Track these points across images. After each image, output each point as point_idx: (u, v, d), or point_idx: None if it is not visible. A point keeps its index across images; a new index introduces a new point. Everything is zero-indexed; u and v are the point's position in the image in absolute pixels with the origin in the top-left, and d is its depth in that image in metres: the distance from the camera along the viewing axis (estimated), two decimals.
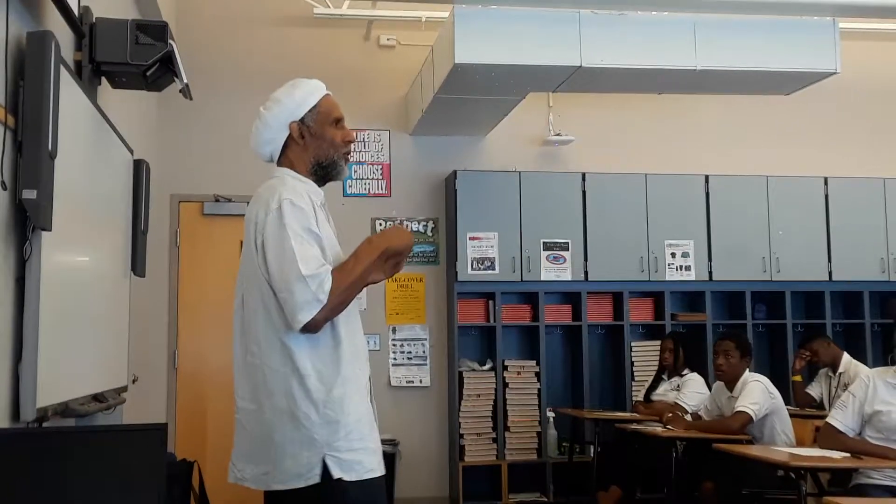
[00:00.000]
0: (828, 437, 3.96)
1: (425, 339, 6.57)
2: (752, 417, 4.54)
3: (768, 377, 6.62)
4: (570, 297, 6.60)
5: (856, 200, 6.80)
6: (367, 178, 6.63)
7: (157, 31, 3.63)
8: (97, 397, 3.64)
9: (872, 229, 6.78)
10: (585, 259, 6.45)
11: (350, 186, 6.59)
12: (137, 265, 4.44)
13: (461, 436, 6.28)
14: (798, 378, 5.83)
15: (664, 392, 5.66)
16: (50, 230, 2.84)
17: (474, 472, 6.28)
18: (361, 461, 2.18)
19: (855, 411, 3.91)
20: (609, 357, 6.77)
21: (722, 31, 5.42)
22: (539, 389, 6.38)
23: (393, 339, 6.49)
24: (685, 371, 5.60)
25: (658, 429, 4.99)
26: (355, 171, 6.61)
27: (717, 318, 6.72)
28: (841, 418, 3.94)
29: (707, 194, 6.65)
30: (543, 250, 6.41)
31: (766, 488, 4.53)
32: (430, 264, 6.64)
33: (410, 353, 6.52)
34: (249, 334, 2.29)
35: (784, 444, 4.55)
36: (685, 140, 7.08)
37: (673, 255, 6.56)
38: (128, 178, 4.35)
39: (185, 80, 3.86)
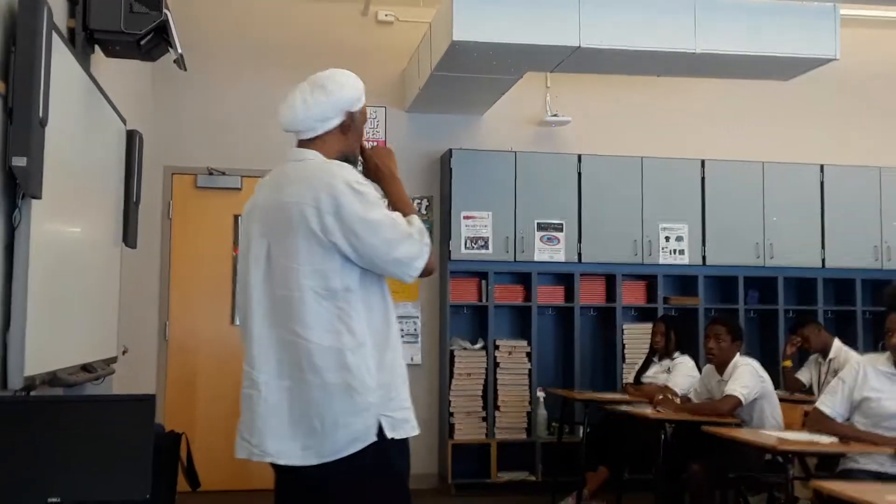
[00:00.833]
0: (817, 421, 3.98)
1: (417, 318, 6.58)
2: (741, 401, 4.56)
3: (759, 361, 6.69)
4: (563, 278, 6.61)
5: (851, 188, 6.80)
6: None
7: None
8: (86, 367, 3.63)
9: (867, 217, 6.79)
10: (579, 240, 6.44)
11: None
12: (129, 236, 4.42)
13: (451, 414, 6.29)
14: (788, 363, 5.85)
15: (654, 374, 5.68)
16: (40, 198, 2.82)
17: (464, 451, 6.30)
18: (408, 419, 2.31)
19: (844, 397, 3.93)
20: (600, 339, 6.78)
21: (722, 15, 5.39)
22: (530, 369, 6.39)
23: None
24: (676, 354, 5.61)
25: (647, 411, 5.00)
26: None
27: (709, 303, 6.73)
28: (830, 403, 3.95)
29: (703, 179, 6.64)
30: (537, 231, 6.40)
31: (753, 471, 4.56)
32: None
33: (402, 330, 6.47)
34: (295, 315, 2.23)
35: (773, 428, 4.57)
36: (682, 124, 7.06)
37: (667, 238, 6.56)
38: (120, 148, 4.32)
39: (180, 51, 3.82)
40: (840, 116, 7.29)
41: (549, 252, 6.41)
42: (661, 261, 6.55)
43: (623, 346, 6.54)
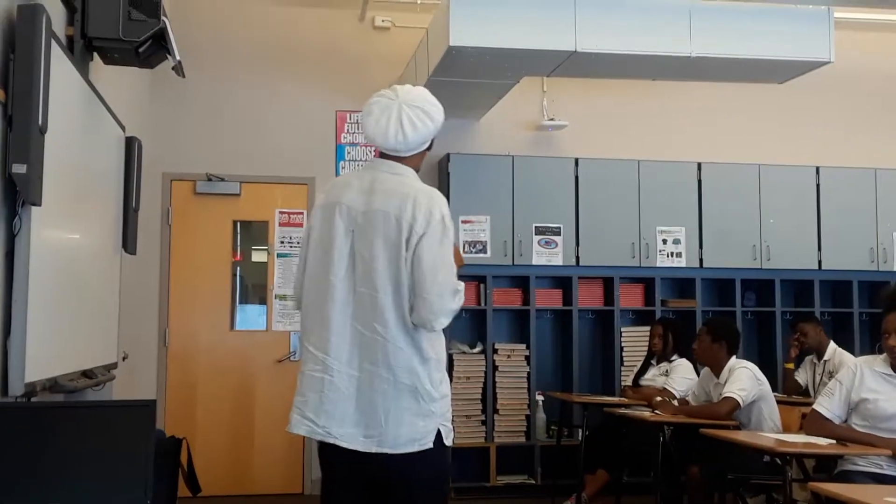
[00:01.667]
0: (814, 423, 3.98)
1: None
2: (739, 403, 4.57)
3: (756, 364, 6.69)
4: (561, 281, 6.62)
5: (847, 190, 6.82)
6: (360, 160, 6.62)
7: (149, 6, 3.61)
8: (86, 373, 3.64)
9: (863, 219, 6.80)
10: (577, 244, 6.46)
11: (343, 168, 6.58)
12: (128, 243, 4.44)
13: None
14: (790, 366, 5.86)
15: (653, 377, 5.69)
16: (40, 205, 2.83)
17: (463, 454, 6.30)
18: (452, 430, 2.57)
19: (841, 399, 3.93)
20: (599, 342, 6.79)
21: (717, 19, 5.41)
22: (528, 373, 6.41)
23: None
24: (674, 357, 5.63)
25: (646, 413, 5.01)
26: (348, 153, 6.60)
27: (706, 305, 6.75)
28: (827, 405, 3.96)
29: (699, 181, 6.66)
30: (535, 235, 6.42)
31: (751, 473, 4.57)
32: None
33: None
34: (368, 314, 2.47)
35: (771, 430, 4.59)
36: (678, 127, 7.08)
37: (664, 241, 6.58)
38: (119, 155, 4.34)
39: (178, 58, 3.84)
40: (835, 119, 7.31)
41: (547, 256, 6.43)
42: (659, 263, 6.57)
43: (621, 348, 6.55)
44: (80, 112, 3.51)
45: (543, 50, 5.24)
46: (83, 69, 3.58)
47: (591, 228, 6.47)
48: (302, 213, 6.48)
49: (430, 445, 2.46)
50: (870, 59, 7.34)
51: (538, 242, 6.42)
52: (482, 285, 6.46)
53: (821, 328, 5.74)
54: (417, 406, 2.45)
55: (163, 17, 3.63)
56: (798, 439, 3.94)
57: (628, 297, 6.66)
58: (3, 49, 2.73)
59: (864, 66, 7.28)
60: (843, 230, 6.75)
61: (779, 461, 3.96)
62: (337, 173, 6.52)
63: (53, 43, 2.94)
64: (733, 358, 4.85)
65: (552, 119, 6.82)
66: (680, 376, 5.41)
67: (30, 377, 2.84)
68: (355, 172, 2.74)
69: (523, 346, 6.45)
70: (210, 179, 6.36)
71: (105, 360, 4.09)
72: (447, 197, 6.25)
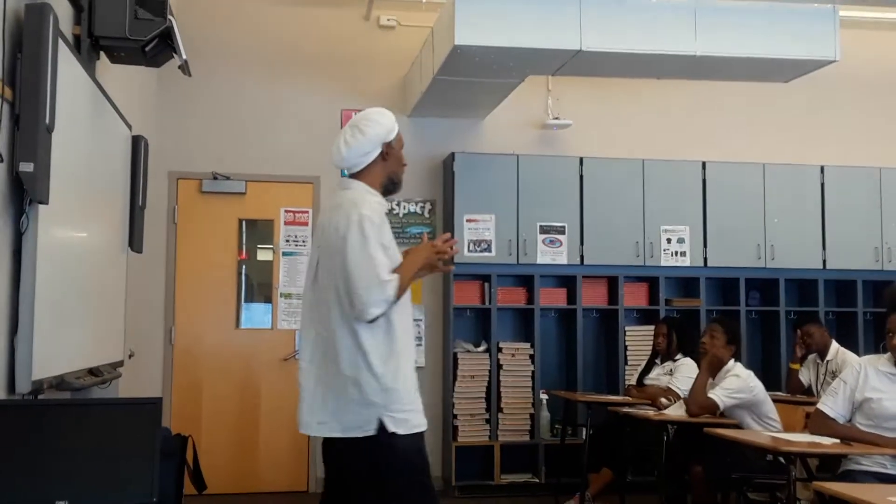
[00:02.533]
0: (818, 423, 3.98)
1: (420, 320, 6.60)
2: (717, 406, 4.60)
3: (760, 363, 6.71)
4: (566, 280, 6.63)
5: (851, 189, 6.82)
6: None
7: (156, 5, 3.62)
8: (93, 371, 3.65)
9: (867, 218, 6.80)
10: (581, 243, 6.46)
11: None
12: (135, 241, 4.45)
13: (454, 416, 6.31)
14: (796, 366, 5.85)
15: (657, 376, 5.69)
16: (47, 203, 2.85)
17: (467, 453, 6.31)
18: (409, 419, 2.73)
19: (846, 398, 3.93)
20: (603, 341, 6.80)
21: (722, 17, 5.41)
22: (533, 372, 6.41)
23: None
24: (678, 356, 5.63)
25: (650, 413, 5.02)
26: None
27: (710, 304, 6.74)
28: (831, 405, 3.96)
29: (704, 180, 6.66)
30: (540, 233, 6.43)
31: (755, 473, 4.57)
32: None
33: None
34: (323, 315, 2.78)
35: (771, 431, 4.58)
36: (683, 126, 7.08)
37: (668, 240, 6.58)
38: (126, 153, 4.35)
39: (185, 57, 3.85)
40: (840, 118, 7.30)
41: (552, 254, 6.43)
42: (663, 263, 6.57)
43: (625, 347, 6.55)
44: (86, 111, 3.52)
45: (548, 49, 5.25)
46: (90, 68, 3.60)
47: (595, 227, 6.48)
48: (307, 212, 6.50)
49: (372, 433, 2.67)
50: (875, 57, 7.33)
51: (542, 241, 6.43)
52: (486, 284, 6.46)
53: (824, 329, 5.75)
54: (360, 396, 2.68)
55: (169, 17, 3.64)
56: (802, 438, 3.94)
57: (632, 296, 6.67)
58: (10, 48, 2.74)
59: (869, 65, 7.28)
60: (847, 229, 6.74)
61: (782, 460, 3.96)
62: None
63: (60, 42, 2.95)
64: (733, 361, 4.86)
65: (557, 118, 6.82)
66: (684, 375, 5.40)
67: (37, 375, 2.85)
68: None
69: (528, 345, 6.46)
70: (216, 178, 6.38)
71: (111, 358, 4.11)
72: (451, 196, 6.36)
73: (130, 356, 4.80)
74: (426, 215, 6.70)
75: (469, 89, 6.01)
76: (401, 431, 2.69)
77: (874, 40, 7.30)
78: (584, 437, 5.86)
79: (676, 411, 4.91)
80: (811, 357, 5.76)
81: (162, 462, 2.73)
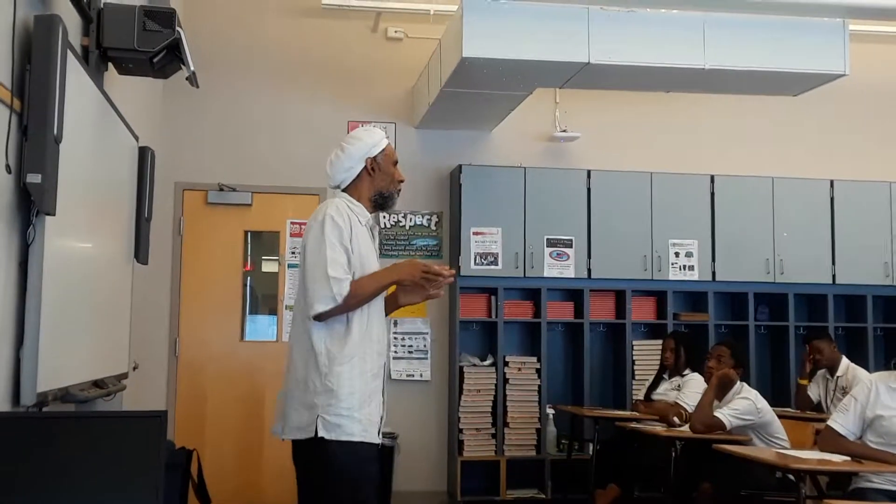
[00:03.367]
0: (828, 440, 3.95)
1: (427, 334, 6.57)
2: (724, 425, 4.57)
3: (769, 378, 6.67)
4: (573, 294, 6.60)
5: (861, 204, 6.78)
6: None
7: (164, 17, 3.62)
8: (97, 383, 3.64)
9: (877, 233, 6.76)
10: (589, 256, 6.44)
11: None
12: (140, 252, 4.44)
13: (460, 430, 6.28)
14: (805, 382, 5.81)
15: (665, 391, 5.66)
16: (54, 215, 2.83)
17: (473, 468, 6.28)
18: (341, 425, 2.69)
19: (856, 415, 3.90)
20: (610, 355, 6.76)
21: (731, 31, 5.40)
22: (539, 386, 6.38)
23: (394, 333, 6.48)
24: (686, 371, 5.59)
25: (658, 428, 4.98)
26: None
27: (719, 319, 6.71)
28: (842, 421, 3.93)
29: (712, 194, 6.64)
30: (547, 247, 6.40)
31: (764, 490, 4.53)
32: (433, 258, 6.63)
33: (411, 346, 6.51)
34: (295, 319, 2.89)
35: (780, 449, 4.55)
36: (691, 139, 7.06)
37: (676, 254, 6.55)
38: (132, 164, 4.35)
39: (192, 68, 3.84)
40: (850, 132, 7.28)
41: (559, 268, 6.41)
42: (671, 277, 6.54)
43: (633, 362, 6.52)
44: (94, 122, 3.51)
45: (556, 61, 5.24)
46: (98, 79, 3.59)
47: (603, 241, 6.45)
48: None
49: (312, 435, 2.69)
50: (885, 71, 7.32)
51: (550, 255, 6.40)
52: (493, 297, 6.44)
53: (834, 344, 5.71)
54: (305, 398, 2.72)
55: (177, 28, 3.64)
56: (812, 455, 3.91)
57: (640, 311, 6.63)
58: (19, 59, 2.74)
59: (879, 79, 7.26)
60: (857, 244, 6.70)
61: (792, 478, 3.92)
62: None
63: (69, 53, 2.94)
64: (740, 383, 4.83)
65: (564, 130, 6.82)
66: (692, 391, 5.35)
67: (41, 387, 2.83)
68: None
69: (534, 359, 6.43)
70: (222, 189, 6.37)
71: (116, 370, 4.09)
72: (458, 208, 6.34)
73: (135, 368, 4.78)
74: (433, 227, 6.68)
75: (476, 101, 6.00)
76: (329, 437, 2.67)
77: (884, 54, 7.29)
78: (590, 452, 5.83)
79: (685, 427, 4.88)
80: (820, 373, 5.72)
81: (167, 475, 2.71)
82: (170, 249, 6.28)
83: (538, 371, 6.39)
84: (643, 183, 6.57)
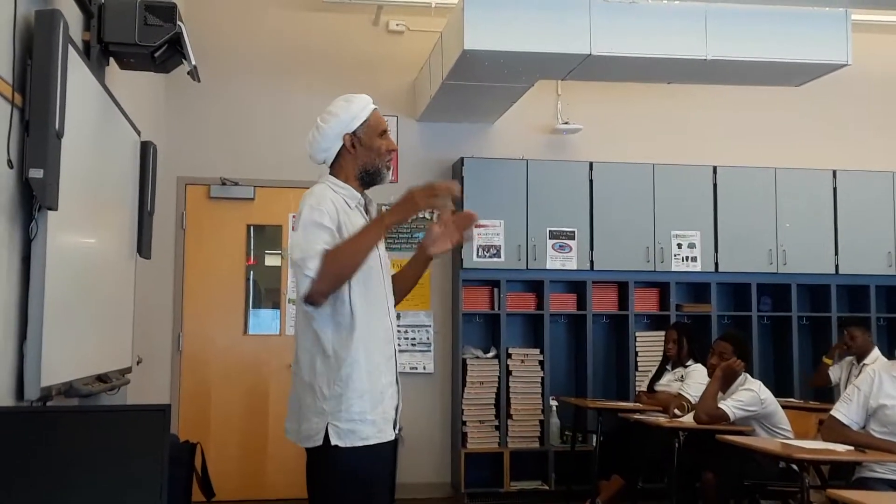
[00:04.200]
0: (831, 429, 3.96)
1: (429, 326, 6.58)
2: (728, 417, 4.59)
3: (772, 369, 6.67)
4: (576, 286, 6.60)
5: (864, 194, 6.77)
6: None
7: (165, 12, 3.62)
8: (101, 378, 3.65)
9: (880, 223, 6.75)
10: (591, 248, 6.44)
11: None
12: (143, 247, 4.45)
13: (464, 423, 6.29)
14: (830, 361, 5.81)
15: (668, 382, 5.66)
16: (56, 210, 2.84)
17: (476, 460, 6.29)
18: (355, 430, 2.49)
19: (859, 405, 3.91)
20: (613, 347, 6.76)
21: (733, 21, 5.38)
22: (542, 378, 6.38)
23: (397, 325, 6.46)
24: (689, 362, 5.60)
25: (661, 419, 4.99)
26: None
27: (722, 310, 6.71)
28: (845, 411, 3.93)
29: (714, 185, 6.63)
30: (549, 239, 6.40)
31: (767, 480, 4.54)
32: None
33: (414, 339, 6.52)
34: (296, 316, 2.66)
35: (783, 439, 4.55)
36: (693, 130, 7.05)
37: (679, 245, 6.54)
38: (135, 159, 4.35)
39: (194, 62, 3.84)
40: (852, 122, 7.26)
41: (561, 260, 6.41)
42: (674, 268, 6.53)
43: (636, 353, 6.52)
44: (96, 116, 3.52)
45: (558, 53, 5.23)
46: (99, 74, 3.59)
47: (605, 232, 6.45)
48: None
49: (320, 444, 2.50)
50: (888, 61, 7.29)
51: (552, 247, 6.40)
52: (496, 290, 6.44)
53: (868, 334, 5.69)
54: (314, 403, 2.52)
55: (178, 23, 3.64)
56: (815, 445, 3.91)
57: (643, 302, 6.63)
58: (20, 54, 2.74)
59: (881, 69, 7.24)
60: (860, 234, 6.70)
61: (795, 467, 3.93)
62: None
63: (70, 48, 2.95)
64: (744, 375, 4.83)
65: (567, 123, 6.81)
66: (695, 381, 5.37)
67: (45, 382, 2.84)
68: None
69: (537, 351, 6.43)
70: (224, 184, 6.37)
71: (120, 365, 4.10)
72: (460, 201, 6.32)
73: (138, 362, 4.80)
74: (435, 220, 6.67)
75: (478, 94, 5.99)
76: (343, 444, 2.48)
77: (886, 44, 7.26)
78: (594, 443, 5.84)
79: (688, 418, 4.88)
80: (848, 358, 5.72)
81: (171, 469, 2.71)
82: (172, 244, 6.28)
83: (541, 363, 6.40)
84: (645, 174, 6.56)
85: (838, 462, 4.00)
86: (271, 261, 6.63)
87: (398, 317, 6.92)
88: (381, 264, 2.65)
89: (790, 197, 6.69)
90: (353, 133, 2.64)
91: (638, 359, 6.51)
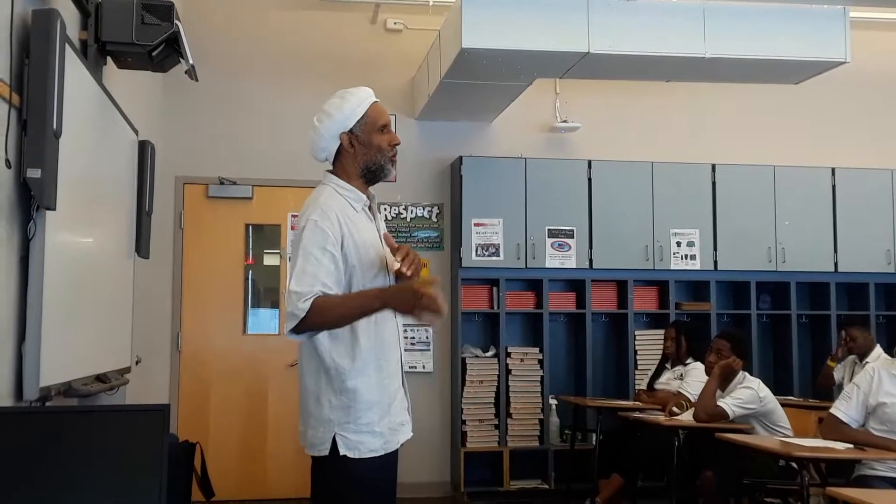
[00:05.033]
0: (831, 427, 3.96)
1: (428, 325, 6.57)
2: (727, 414, 4.59)
3: (771, 367, 6.67)
4: (575, 284, 6.59)
5: (863, 191, 6.77)
6: None
7: (163, 11, 3.61)
8: (100, 378, 3.64)
9: (879, 221, 6.75)
10: (590, 247, 6.43)
11: None
12: (141, 246, 4.44)
13: (463, 422, 6.28)
14: (834, 364, 5.81)
15: (667, 381, 5.66)
16: (54, 209, 2.83)
17: (476, 459, 6.28)
18: (364, 442, 2.45)
19: (859, 403, 3.91)
20: (612, 345, 6.76)
21: (731, 19, 5.38)
22: (542, 377, 6.38)
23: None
24: (689, 360, 5.60)
25: (661, 418, 4.99)
26: None
27: (721, 308, 6.71)
28: (845, 409, 3.94)
29: (713, 183, 6.63)
30: (548, 237, 6.40)
31: (767, 478, 4.54)
32: (435, 250, 6.63)
33: (413, 338, 6.52)
34: None
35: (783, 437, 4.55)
36: (692, 128, 7.05)
37: (678, 243, 6.54)
38: (133, 158, 4.34)
39: (191, 61, 3.84)
40: (851, 119, 7.26)
41: (561, 258, 6.40)
42: (673, 266, 6.53)
43: (635, 352, 6.51)
44: (93, 116, 3.51)
45: (556, 51, 5.23)
46: (97, 73, 3.59)
47: (604, 231, 6.44)
48: None
49: (326, 453, 2.44)
50: (886, 59, 7.30)
51: (551, 245, 6.40)
52: (495, 288, 6.44)
53: (868, 332, 5.68)
54: (319, 412, 2.46)
55: (176, 21, 3.64)
56: (815, 443, 3.91)
57: (642, 300, 6.63)
58: (17, 54, 2.73)
59: (880, 67, 7.24)
60: (859, 232, 6.69)
61: (795, 465, 3.92)
62: None
63: (67, 47, 2.94)
64: (742, 373, 4.83)
65: (565, 121, 6.80)
66: (695, 380, 5.36)
67: (44, 382, 2.84)
68: None
69: (536, 350, 6.43)
70: (222, 183, 6.37)
71: (119, 365, 4.09)
72: (459, 199, 6.34)
73: (137, 362, 4.79)
74: (434, 219, 6.68)
75: (477, 92, 5.99)
76: (352, 455, 2.43)
77: (885, 41, 7.26)
78: (593, 442, 5.84)
79: (688, 417, 4.88)
80: (851, 357, 5.72)
81: (170, 469, 2.71)
82: (171, 243, 6.28)
83: (540, 362, 6.40)
84: (644, 172, 6.56)
85: (838, 460, 4.00)
86: (270, 260, 6.62)
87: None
88: (385, 266, 2.55)
89: (789, 195, 6.69)
90: (350, 131, 2.57)
91: (637, 357, 6.50)
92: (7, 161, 2.66)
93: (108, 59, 3.79)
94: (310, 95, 6.51)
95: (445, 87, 5.81)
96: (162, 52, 3.73)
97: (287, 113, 6.49)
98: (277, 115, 6.51)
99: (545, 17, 5.15)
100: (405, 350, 2.66)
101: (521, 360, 6.39)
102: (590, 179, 6.49)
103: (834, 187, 6.75)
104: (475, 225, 6.34)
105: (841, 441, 3.82)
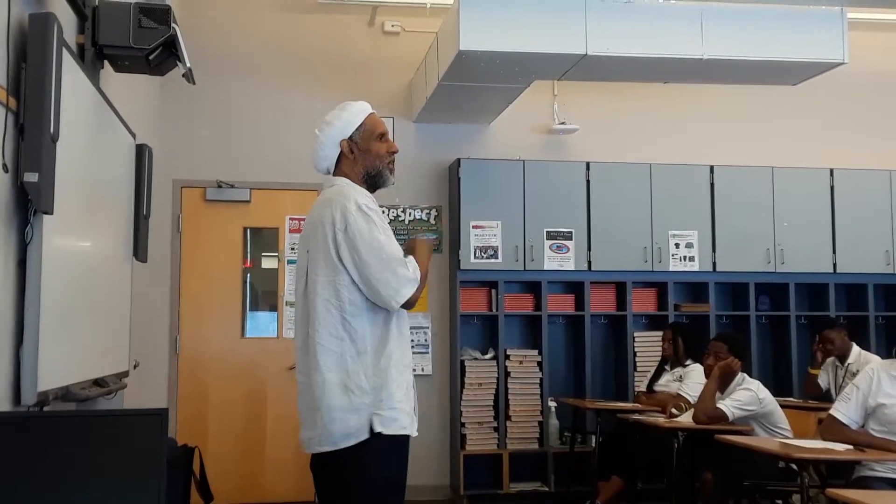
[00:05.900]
0: (831, 428, 3.95)
1: (427, 328, 6.56)
2: (727, 416, 4.58)
3: (770, 368, 6.66)
4: (573, 286, 6.59)
5: (862, 192, 6.77)
6: None
7: (160, 14, 3.61)
8: (98, 382, 3.63)
9: (878, 222, 6.76)
10: (589, 249, 6.43)
11: None
12: (139, 250, 4.43)
13: (462, 424, 6.27)
14: (816, 371, 5.82)
15: (666, 383, 5.65)
16: (52, 214, 2.83)
17: (475, 461, 6.27)
18: (397, 419, 2.56)
19: (858, 403, 3.90)
20: (612, 347, 6.75)
21: (729, 20, 5.38)
22: (541, 379, 6.37)
23: None
24: (688, 362, 5.59)
25: (660, 420, 4.98)
26: None
27: (720, 309, 6.70)
28: (844, 410, 3.93)
29: (712, 185, 6.62)
30: (547, 239, 6.39)
31: (767, 479, 4.53)
32: (433, 252, 6.61)
33: (412, 340, 6.49)
34: (310, 317, 2.60)
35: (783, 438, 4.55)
36: (690, 130, 7.05)
37: (677, 245, 6.54)
38: (130, 162, 4.33)
39: (189, 65, 3.83)
40: (849, 120, 7.27)
41: (559, 260, 6.40)
42: (672, 268, 6.52)
43: (634, 354, 6.51)
44: (91, 120, 3.50)
45: (554, 53, 5.22)
46: (94, 77, 3.58)
47: (602, 233, 6.44)
48: None
49: (366, 437, 2.52)
50: (884, 60, 7.30)
51: (549, 247, 6.39)
52: (493, 291, 6.43)
53: (844, 333, 5.70)
54: (349, 402, 2.52)
55: (173, 25, 3.63)
56: (815, 445, 3.91)
57: (641, 302, 6.62)
58: (14, 58, 2.73)
59: (878, 67, 7.25)
60: (857, 233, 6.70)
61: (795, 467, 3.92)
62: None
63: (65, 51, 2.93)
64: (741, 374, 4.82)
65: (563, 123, 6.80)
66: (694, 381, 5.36)
67: (42, 386, 2.83)
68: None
69: (535, 352, 6.42)
70: (220, 186, 6.36)
71: (116, 369, 4.08)
72: (457, 202, 6.33)
73: (136, 366, 4.78)
74: (432, 221, 6.67)
75: (474, 94, 5.98)
76: (387, 431, 2.53)
77: (883, 42, 7.27)
78: (593, 444, 5.83)
79: (687, 418, 4.88)
80: (830, 360, 5.73)
81: (168, 473, 2.70)
82: (169, 247, 6.27)
83: (539, 364, 6.39)
84: (642, 174, 6.56)
85: (837, 461, 3.99)
86: (268, 263, 6.61)
87: None
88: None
89: (787, 196, 6.69)
90: (350, 138, 2.73)
91: (636, 359, 6.50)
92: (4, 165, 2.65)
93: (106, 62, 3.78)
94: (308, 98, 6.57)
95: (443, 89, 5.81)
96: (159, 55, 3.73)
97: (285, 116, 6.49)
98: (275, 118, 6.51)
99: (543, 19, 5.15)
100: None
101: (521, 362, 6.39)
102: (588, 181, 6.49)
103: (832, 188, 6.75)
104: (473, 227, 6.33)
105: (840, 442, 3.82)
